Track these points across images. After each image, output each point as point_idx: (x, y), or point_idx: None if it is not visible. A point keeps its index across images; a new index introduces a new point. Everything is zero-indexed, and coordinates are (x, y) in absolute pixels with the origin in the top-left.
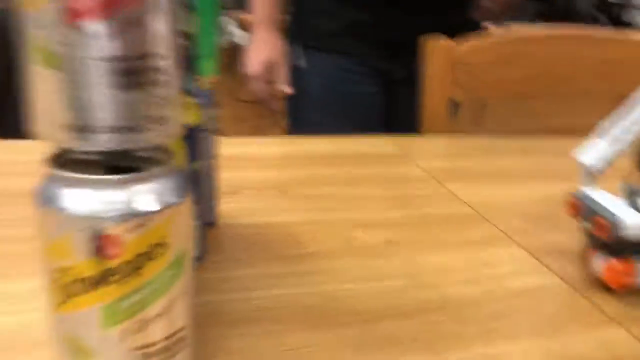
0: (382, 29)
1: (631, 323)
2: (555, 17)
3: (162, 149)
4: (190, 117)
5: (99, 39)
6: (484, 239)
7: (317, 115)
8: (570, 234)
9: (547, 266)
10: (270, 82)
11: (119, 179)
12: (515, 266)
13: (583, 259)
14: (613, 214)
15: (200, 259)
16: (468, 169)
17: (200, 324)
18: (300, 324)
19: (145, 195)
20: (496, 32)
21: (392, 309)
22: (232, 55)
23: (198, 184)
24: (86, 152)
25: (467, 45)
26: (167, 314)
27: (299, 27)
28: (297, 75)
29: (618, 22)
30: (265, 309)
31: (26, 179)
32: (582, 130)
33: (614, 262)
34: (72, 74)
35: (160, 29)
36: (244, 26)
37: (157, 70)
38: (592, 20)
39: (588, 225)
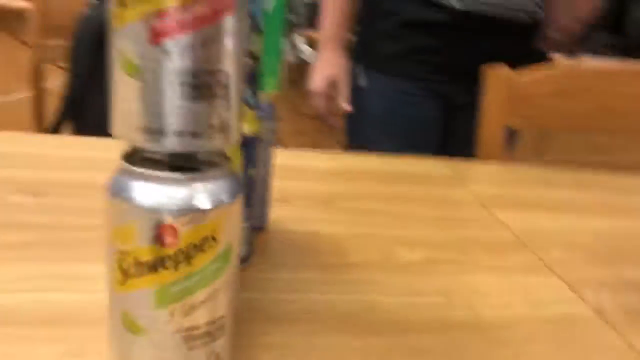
0: (447, 54)
1: None
2: (628, 50)
3: (221, 154)
4: (251, 128)
5: (174, 55)
6: (522, 265)
7: (375, 134)
8: (611, 268)
9: (582, 298)
10: (331, 99)
11: (181, 178)
12: (550, 295)
13: None
14: None
15: (247, 258)
16: (518, 197)
17: (241, 318)
18: (333, 328)
19: (202, 194)
20: (561, 64)
21: (423, 324)
22: (300, 71)
23: (252, 189)
24: (155, 152)
25: (528, 76)
26: (211, 302)
27: (363, 48)
28: (358, 95)
29: None
30: (303, 311)
31: (101, 174)
32: None
33: None
34: (149, 83)
35: (229, 48)
36: (313, 44)
37: (222, 85)
38: None
39: None
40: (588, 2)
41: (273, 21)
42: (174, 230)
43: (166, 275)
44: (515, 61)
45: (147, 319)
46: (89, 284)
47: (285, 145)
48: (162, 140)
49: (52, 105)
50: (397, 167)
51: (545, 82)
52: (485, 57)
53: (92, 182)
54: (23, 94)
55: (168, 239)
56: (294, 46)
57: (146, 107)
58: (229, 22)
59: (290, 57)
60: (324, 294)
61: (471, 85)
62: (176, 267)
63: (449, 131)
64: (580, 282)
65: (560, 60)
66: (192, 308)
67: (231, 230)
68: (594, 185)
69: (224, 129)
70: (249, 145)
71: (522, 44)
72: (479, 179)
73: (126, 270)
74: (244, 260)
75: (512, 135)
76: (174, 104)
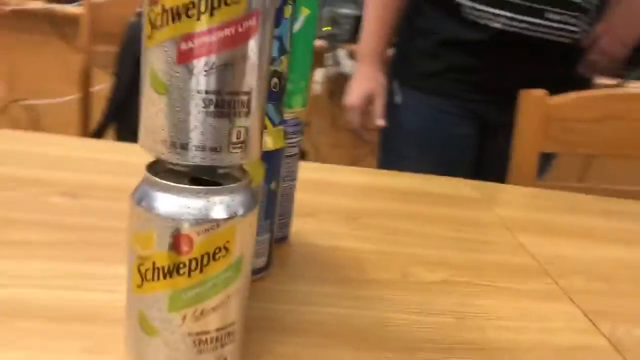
0: (486, 74)
1: None
2: None
3: (239, 169)
4: (274, 143)
5: (199, 75)
6: (540, 291)
7: (409, 151)
8: (632, 300)
9: (597, 327)
10: (366, 114)
11: (198, 190)
12: (564, 323)
13: None
14: None
15: (266, 269)
16: (544, 222)
17: (255, 327)
18: (344, 341)
19: (217, 205)
20: (602, 88)
21: (433, 342)
22: (341, 84)
23: (272, 202)
24: (178, 165)
25: (564, 100)
26: (222, 309)
27: (400, 64)
28: (393, 111)
29: None
30: (315, 322)
31: (137, 179)
32: None
33: None
34: (174, 100)
35: (250, 69)
36: (355, 57)
37: (243, 104)
38: None
39: None
40: (633, 26)
41: (300, 42)
42: (189, 239)
43: (180, 281)
44: (556, 84)
45: (160, 321)
46: (113, 284)
47: (323, 157)
48: (184, 154)
49: (99, 109)
50: (425, 186)
51: (582, 107)
52: (524, 79)
53: (127, 186)
54: (72, 97)
55: (183, 247)
56: (336, 59)
57: (171, 123)
58: (252, 45)
59: (332, 70)
60: (338, 308)
61: (508, 106)
62: (189, 274)
63: (484, 151)
64: (598, 312)
65: (602, 84)
66: (203, 314)
67: (244, 241)
68: (626, 213)
69: (243, 145)
70: (272, 159)
71: (563, 66)
72: (506, 202)
73: (144, 274)
74: (263, 270)
75: (548, 160)
76: (197, 121)
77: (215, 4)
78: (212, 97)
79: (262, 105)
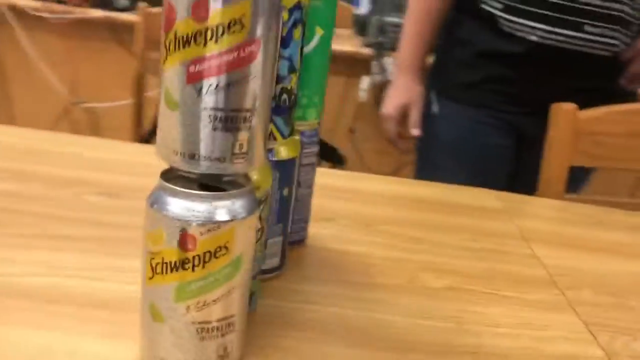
0: (523, 86)
1: None
2: None
3: (243, 176)
4: (289, 152)
5: (206, 95)
6: (545, 302)
7: (445, 161)
8: (637, 313)
9: (596, 339)
10: (402, 123)
11: (203, 195)
12: (563, 333)
13: None
14: None
15: (279, 268)
16: (565, 235)
17: (260, 321)
18: (341, 339)
19: (220, 209)
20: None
21: (427, 345)
22: (386, 91)
23: (286, 207)
24: (188, 172)
25: (595, 114)
26: (222, 302)
27: (437, 75)
28: (429, 121)
29: None
30: (317, 320)
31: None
32: None
33: None
34: (184, 116)
35: (253, 89)
36: None
37: (245, 119)
38: None
39: None
40: None
41: (314, 60)
42: (193, 239)
43: (185, 275)
44: (595, 97)
45: (167, 310)
46: (136, 276)
47: (367, 163)
48: (193, 163)
49: (151, 113)
50: (448, 196)
51: (613, 121)
52: (562, 91)
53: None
54: (128, 101)
55: (189, 245)
56: (382, 67)
57: (182, 135)
58: (254, 68)
59: (378, 78)
60: (340, 308)
61: (545, 118)
62: (193, 269)
63: (520, 163)
64: (599, 324)
65: None
66: (205, 305)
67: (244, 242)
68: None
69: (245, 155)
70: (285, 167)
71: (602, 79)
72: (529, 214)
73: (154, 268)
74: (276, 269)
75: (586, 175)
76: (204, 134)
77: (220, 33)
78: (217, 113)
79: (264, 120)
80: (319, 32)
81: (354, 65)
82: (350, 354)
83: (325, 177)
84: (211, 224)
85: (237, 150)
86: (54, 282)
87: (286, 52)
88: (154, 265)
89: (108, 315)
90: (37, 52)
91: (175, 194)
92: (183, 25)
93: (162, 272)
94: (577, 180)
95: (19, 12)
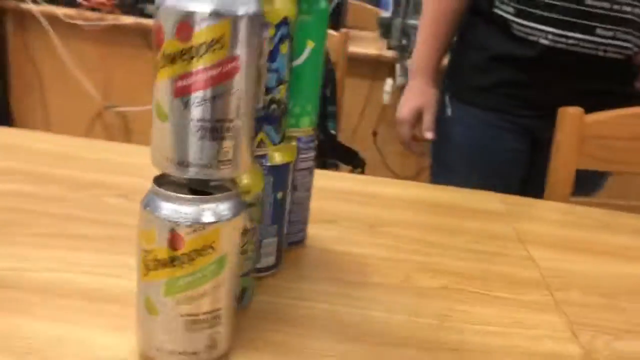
0: (536, 89)
1: None
2: None
3: (229, 181)
4: (283, 158)
5: (192, 106)
6: (532, 302)
7: (458, 164)
8: (622, 315)
9: (578, 338)
10: (416, 127)
11: (191, 198)
12: (546, 332)
13: None
14: None
15: (275, 267)
16: (565, 238)
17: (252, 316)
18: (331, 335)
19: (207, 211)
20: None
21: (414, 340)
22: None
23: (280, 210)
24: (179, 177)
25: (601, 117)
26: (208, 296)
27: (452, 78)
28: (443, 124)
29: None
30: (308, 316)
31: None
32: None
33: None
34: (174, 126)
35: (236, 101)
36: None
37: (229, 129)
38: None
39: None
40: None
41: (306, 71)
42: (181, 238)
43: (174, 271)
44: (608, 100)
45: (160, 303)
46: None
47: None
48: (183, 170)
49: None
50: (453, 199)
51: (619, 124)
52: (575, 95)
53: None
54: None
55: (177, 244)
56: (405, 69)
57: (172, 144)
58: (236, 82)
59: (401, 80)
60: (333, 305)
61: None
62: (182, 266)
63: (534, 166)
64: (584, 325)
65: None
66: (193, 299)
67: (229, 242)
68: None
69: (230, 162)
70: (279, 172)
71: (615, 82)
72: (529, 216)
73: (147, 265)
74: (272, 268)
75: (600, 179)
76: (192, 143)
77: (202, 51)
78: (204, 124)
79: (248, 129)
80: (309, 44)
81: (379, 68)
82: (340, 349)
83: (331, 180)
84: (197, 225)
85: (222, 157)
86: (67, 278)
87: (274, 65)
88: (147, 262)
89: (118, 309)
90: (71, 58)
91: (166, 198)
92: (170, 44)
93: (155, 269)
94: (592, 185)
95: (55, 20)
